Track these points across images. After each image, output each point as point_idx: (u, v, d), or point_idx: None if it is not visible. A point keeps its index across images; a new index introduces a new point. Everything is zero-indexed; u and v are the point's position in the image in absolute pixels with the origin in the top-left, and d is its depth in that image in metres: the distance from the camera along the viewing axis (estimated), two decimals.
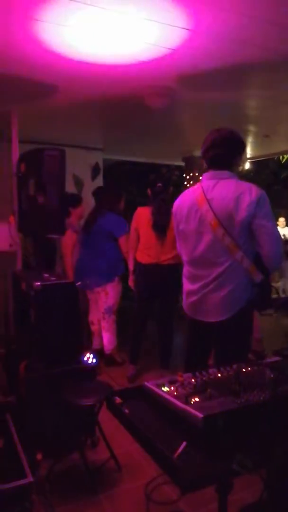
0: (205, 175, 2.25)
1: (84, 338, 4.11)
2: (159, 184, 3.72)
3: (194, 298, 2.27)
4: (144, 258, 3.72)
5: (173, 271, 3.54)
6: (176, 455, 1.14)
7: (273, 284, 4.66)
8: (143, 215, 3.73)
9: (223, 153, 2.18)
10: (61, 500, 2.18)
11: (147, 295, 3.78)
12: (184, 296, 2.38)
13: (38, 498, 2.14)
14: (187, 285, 2.35)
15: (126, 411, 1.41)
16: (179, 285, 2.47)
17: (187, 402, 1.30)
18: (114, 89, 3.51)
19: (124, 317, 4.30)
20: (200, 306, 2.26)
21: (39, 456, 2.37)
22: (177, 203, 2.37)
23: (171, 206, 2.43)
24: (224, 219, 2.10)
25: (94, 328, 4.20)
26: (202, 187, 2.22)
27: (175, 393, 1.38)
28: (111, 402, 1.47)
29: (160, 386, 1.46)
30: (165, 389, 1.43)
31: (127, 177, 8.39)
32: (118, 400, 1.48)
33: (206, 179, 2.23)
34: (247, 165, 7.70)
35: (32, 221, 3.31)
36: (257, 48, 2.68)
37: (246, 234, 2.10)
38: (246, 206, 2.06)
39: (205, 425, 1.18)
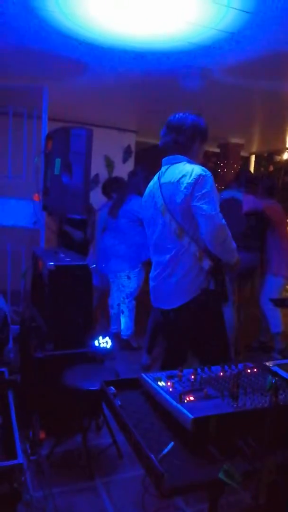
0: (163, 160, 2.23)
1: (98, 321, 4.11)
2: None
3: (152, 284, 2.27)
4: None
5: None
6: (160, 456, 1.07)
7: None
8: None
9: (176, 138, 2.14)
10: (59, 481, 2.17)
11: None
12: None
13: (36, 477, 2.14)
14: (151, 272, 2.33)
15: (119, 402, 1.35)
16: None
17: (180, 400, 1.22)
18: (155, 69, 3.40)
19: (144, 303, 4.23)
20: (157, 293, 2.24)
21: (42, 435, 2.38)
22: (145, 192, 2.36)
23: None
24: (170, 204, 2.08)
25: (113, 312, 4.17)
26: (159, 173, 2.21)
27: (170, 390, 1.31)
28: (105, 391, 1.42)
29: (157, 380, 1.39)
30: (161, 383, 1.36)
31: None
32: (113, 390, 1.42)
33: (163, 165, 2.22)
34: None
35: (56, 200, 3.28)
36: None
37: (190, 218, 2.05)
38: (183, 188, 2.02)
39: (195, 427, 1.11)
